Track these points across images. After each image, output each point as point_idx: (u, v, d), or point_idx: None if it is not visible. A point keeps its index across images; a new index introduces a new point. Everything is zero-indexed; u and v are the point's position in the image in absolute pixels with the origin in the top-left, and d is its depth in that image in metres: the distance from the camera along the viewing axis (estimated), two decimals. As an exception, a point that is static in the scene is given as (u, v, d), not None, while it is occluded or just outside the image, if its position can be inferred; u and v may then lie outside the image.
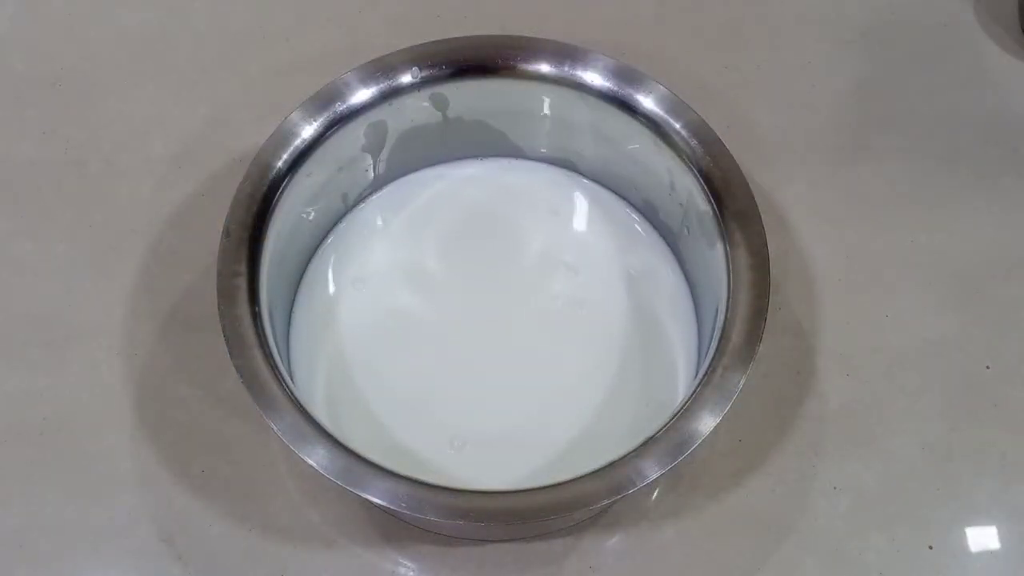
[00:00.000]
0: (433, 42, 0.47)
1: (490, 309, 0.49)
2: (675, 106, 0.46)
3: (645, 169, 0.49)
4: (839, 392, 0.49)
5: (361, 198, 0.51)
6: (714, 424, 0.40)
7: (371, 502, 0.39)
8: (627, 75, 0.47)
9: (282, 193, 0.45)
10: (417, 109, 0.48)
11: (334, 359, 0.47)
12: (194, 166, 0.54)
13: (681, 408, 0.41)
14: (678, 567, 0.46)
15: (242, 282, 0.42)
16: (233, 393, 0.48)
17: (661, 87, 0.47)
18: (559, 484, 0.39)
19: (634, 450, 0.40)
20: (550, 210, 0.51)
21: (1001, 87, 0.58)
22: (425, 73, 0.47)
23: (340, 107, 0.46)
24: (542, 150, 0.52)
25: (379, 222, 0.51)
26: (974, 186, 0.55)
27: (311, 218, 0.48)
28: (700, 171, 0.45)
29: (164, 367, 0.49)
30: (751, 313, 0.42)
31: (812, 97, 0.57)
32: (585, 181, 0.52)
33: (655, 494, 0.47)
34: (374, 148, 0.49)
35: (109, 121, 0.56)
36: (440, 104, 0.48)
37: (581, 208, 0.52)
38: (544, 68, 0.47)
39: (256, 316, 0.42)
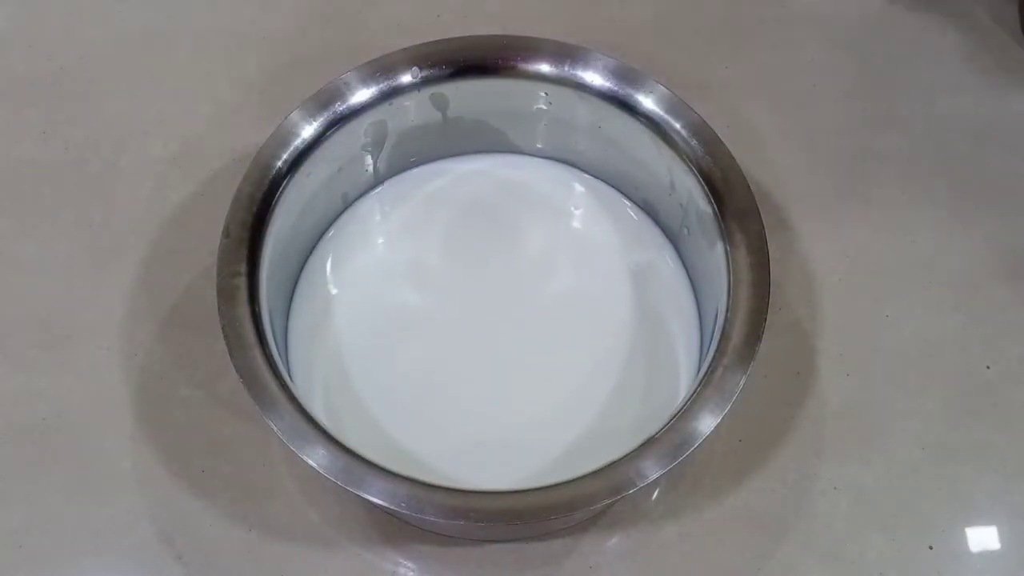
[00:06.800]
0: (433, 42, 0.47)
1: (490, 307, 0.49)
2: (675, 106, 0.46)
3: (645, 169, 0.48)
4: (839, 392, 0.49)
5: (361, 198, 0.51)
6: (714, 424, 0.40)
7: (371, 502, 0.39)
8: (627, 75, 0.47)
9: (282, 193, 0.45)
10: (417, 109, 0.48)
11: (334, 358, 0.47)
12: (194, 166, 0.54)
13: (681, 408, 0.41)
14: (678, 567, 0.46)
15: (242, 282, 0.42)
16: (233, 393, 0.48)
17: (661, 87, 0.47)
18: (559, 484, 0.39)
19: (634, 450, 0.40)
20: (552, 206, 0.51)
21: (1001, 87, 0.58)
22: (425, 73, 0.47)
23: (340, 107, 0.46)
24: (542, 150, 0.52)
25: (378, 218, 0.51)
26: (974, 186, 0.55)
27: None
28: (700, 171, 0.45)
29: (164, 367, 0.49)
30: (751, 313, 0.42)
31: (812, 97, 0.57)
32: (587, 177, 0.52)
33: (655, 494, 0.47)
34: (374, 148, 0.49)
35: (109, 121, 0.56)
36: (440, 104, 0.48)
37: (583, 204, 0.52)
38: (544, 68, 0.47)
39: (256, 316, 0.42)
